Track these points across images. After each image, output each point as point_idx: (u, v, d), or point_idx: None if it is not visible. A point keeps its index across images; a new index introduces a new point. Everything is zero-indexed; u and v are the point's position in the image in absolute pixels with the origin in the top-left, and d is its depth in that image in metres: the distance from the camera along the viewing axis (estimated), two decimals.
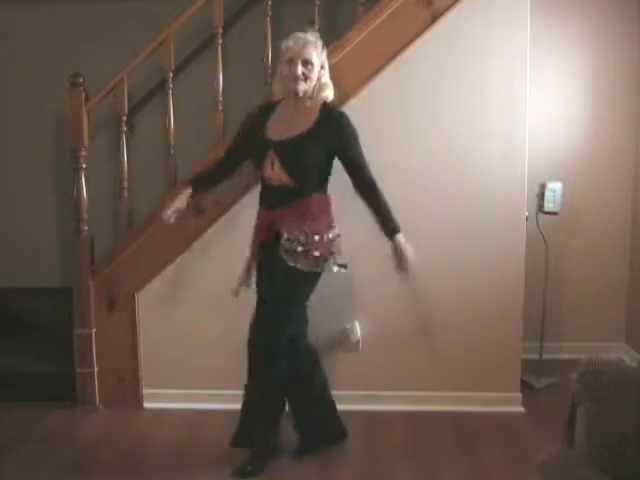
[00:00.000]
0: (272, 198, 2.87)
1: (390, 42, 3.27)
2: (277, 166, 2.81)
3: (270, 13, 3.41)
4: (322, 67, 2.86)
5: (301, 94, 2.82)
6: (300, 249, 2.80)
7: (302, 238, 2.80)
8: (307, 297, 2.94)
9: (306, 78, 2.80)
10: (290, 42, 2.81)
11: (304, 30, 2.88)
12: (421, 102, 3.32)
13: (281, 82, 2.88)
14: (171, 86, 3.46)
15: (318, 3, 3.39)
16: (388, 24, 3.26)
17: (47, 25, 4.02)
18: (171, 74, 3.45)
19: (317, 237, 2.82)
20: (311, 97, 2.86)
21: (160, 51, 3.41)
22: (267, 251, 2.88)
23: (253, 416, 2.99)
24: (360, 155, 2.88)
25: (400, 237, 2.84)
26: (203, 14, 3.42)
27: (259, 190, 2.98)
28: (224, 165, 3.05)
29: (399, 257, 2.84)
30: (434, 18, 3.25)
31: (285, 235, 2.80)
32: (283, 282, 2.84)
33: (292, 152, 2.79)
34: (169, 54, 3.41)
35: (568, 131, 4.01)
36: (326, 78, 2.89)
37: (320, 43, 2.85)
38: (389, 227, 2.86)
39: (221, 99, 3.43)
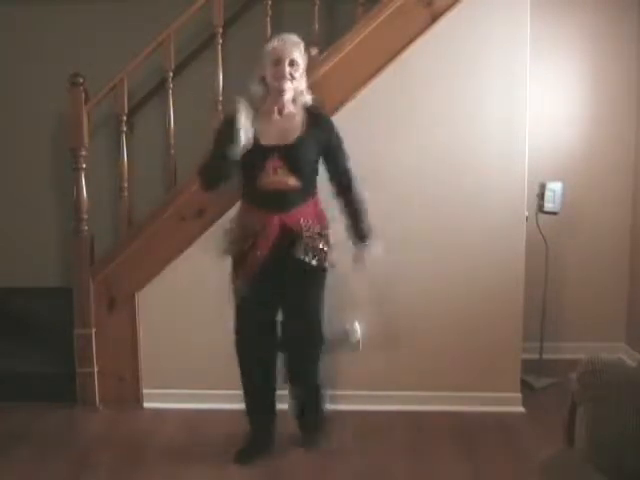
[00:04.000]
0: (274, 202, 2.87)
1: (390, 42, 3.27)
2: (282, 170, 2.82)
3: (270, 13, 3.41)
4: (303, 71, 2.89)
5: (287, 94, 2.85)
6: (321, 247, 2.89)
7: (318, 237, 2.90)
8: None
9: (292, 78, 2.83)
10: (276, 42, 2.84)
11: (288, 33, 2.90)
12: (421, 102, 3.32)
13: (264, 84, 2.89)
14: (171, 86, 3.46)
15: (318, 3, 3.39)
16: (388, 24, 3.26)
17: (47, 25, 4.02)
18: (171, 74, 3.45)
19: (329, 235, 2.94)
20: (294, 101, 2.90)
21: (160, 51, 3.41)
22: (279, 256, 2.88)
23: (309, 410, 3.13)
24: (345, 158, 2.96)
25: (367, 245, 2.96)
26: (203, 14, 3.42)
27: (247, 194, 2.94)
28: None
29: (358, 260, 2.98)
30: (434, 18, 3.25)
31: (305, 234, 2.87)
32: (311, 285, 2.95)
33: (296, 155, 2.83)
34: (169, 54, 3.41)
35: (568, 131, 4.01)
36: (304, 83, 2.91)
37: (302, 45, 2.88)
38: (361, 231, 2.96)
39: (221, 99, 3.43)
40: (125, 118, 3.48)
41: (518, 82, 3.28)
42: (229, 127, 2.76)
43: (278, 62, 2.82)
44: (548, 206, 3.69)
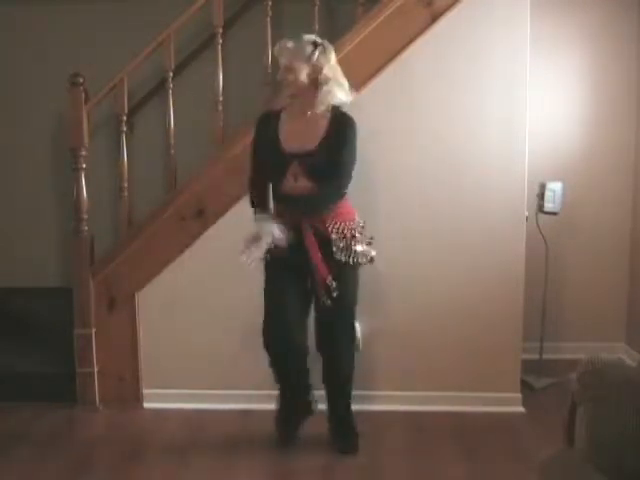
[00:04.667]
0: (300, 207, 2.87)
1: (390, 42, 3.27)
2: (302, 178, 2.84)
3: (270, 13, 3.41)
4: (315, 71, 2.81)
5: (293, 99, 2.87)
6: (352, 245, 2.90)
7: (348, 235, 2.90)
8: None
9: (289, 84, 2.84)
10: (275, 49, 2.88)
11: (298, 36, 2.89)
12: (421, 102, 3.32)
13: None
14: (171, 86, 3.46)
15: (318, 3, 3.39)
16: (388, 24, 3.26)
17: (47, 25, 4.02)
18: (171, 74, 3.45)
19: (355, 232, 2.93)
20: (312, 105, 2.85)
21: (160, 51, 3.41)
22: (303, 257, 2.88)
23: (343, 410, 3.12)
24: (345, 161, 2.87)
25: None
26: (203, 14, 3.42)
27: (276, 200, 2.95)
28: (261, 183, 3.02)
29: None
30: (434, 18, 3.25)
31: (334, 235, 2.88)
32: (346, 283, 2.93)
33: (316, 163, 2.82)
34: (169, 54, 3.41)
35: (568, 131, 4.01)
36: (329, 86, 2.83)
37: (307, 49, 2.81)
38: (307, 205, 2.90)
39: (221, 99, 3.43)
40: (125, 118, 3.48)
41: (518, 82, 3.28)
42: (260, 132, 2.91)
43: (280, 68, 2.86)
44: (548, 206, 3.69)
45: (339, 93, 2.86)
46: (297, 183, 2.85)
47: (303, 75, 2.82)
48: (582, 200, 3.99)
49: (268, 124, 2.92)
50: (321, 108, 2.86)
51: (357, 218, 2.98)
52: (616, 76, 3.97)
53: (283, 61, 2.83)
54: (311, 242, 2.87)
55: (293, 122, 2.90)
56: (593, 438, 1.96)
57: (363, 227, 2.98)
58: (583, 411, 2.01)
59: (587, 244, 4.08)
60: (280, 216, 2.92)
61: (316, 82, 2.82)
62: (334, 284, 2.87)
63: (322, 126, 2.86)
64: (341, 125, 2.87)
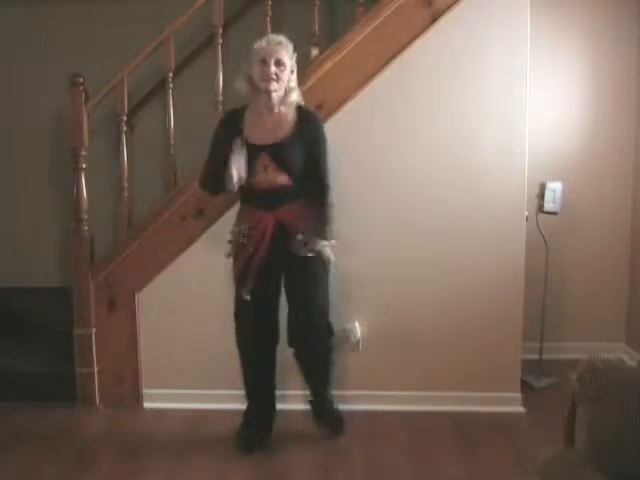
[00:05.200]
0: (267, 201, 2.91)
1: (390, 42, 3.27)
2: (272, 169, 2.87)
3: (270, 13, 3.41)
4: (292, 71, 2.93)
5: (273, 94, 2.88)
6: (318, 242, 2.92)
7: (314, 233, 2.92)
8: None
9: (278, 78, 2.87)
10: (263, 43, 2.89)
11: (276, 33, 2.96)
12: (421, 102, 3.32)
13: (250, 83, 2.93)
14: (171, 86, 3.46)
15: (318, 3, 3.39)
16: (388, 24, 3.26)
17: (47, 25, 4.02)
18: (171, 74, 3.45)
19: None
20: (282, 101, 2.93)
21: (160, 51, 3.41)
22: (277, 254, 2.93)
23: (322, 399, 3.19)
24: (325, 159, 2.97)
25: (324, 244, 2.95)
26: (203, 14, 3.42)
27: (243, 194, 2.98)
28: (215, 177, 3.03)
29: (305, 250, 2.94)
30: (434, 18, 3.25)
31: (300, 231, 2.90)
32: (311, 278, 2.98)
33: (286, 154, 2.88)
34: (169, 54, 3.41)
35: (568, 131, 4.01)
36: (294, 83, 2.95)
37: (291, 47, 2.92)
38: (321, 233, 2.94)
39: (221, 99, 3.43)
40: (125, 118, 3.48)
41: (518, 82, 3.28)
42: (227, 128, 2.88)
43: (264, 62, 2.86)
44: (548, 206, 3.69)
45: (297, 93, 2.97)
46: (267, 174, 2.88)
47: (288, 72, 2.90)
48: (582, 200, 3.99)
49: (234, 120, 2.96)
50: (290, 106, 2.93)
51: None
52: (616, 76, 3.96)
53: (276, 55, 2.85)
54: (268, 230, 2.90)
55: (259, 117, 2.94)
56: (593, 438, 1.96)
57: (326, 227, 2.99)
58: (583, 411, 2.01)
59: (587, 244, 4.08)
60: (248, 212, 2.97)
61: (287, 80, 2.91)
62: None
63: (289, 121, 2.93)
64: (310, 120, 2.95)
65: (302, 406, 3.28)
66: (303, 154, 2.92)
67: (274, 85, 2.87)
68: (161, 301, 3.48)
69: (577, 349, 3.64)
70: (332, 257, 3.00)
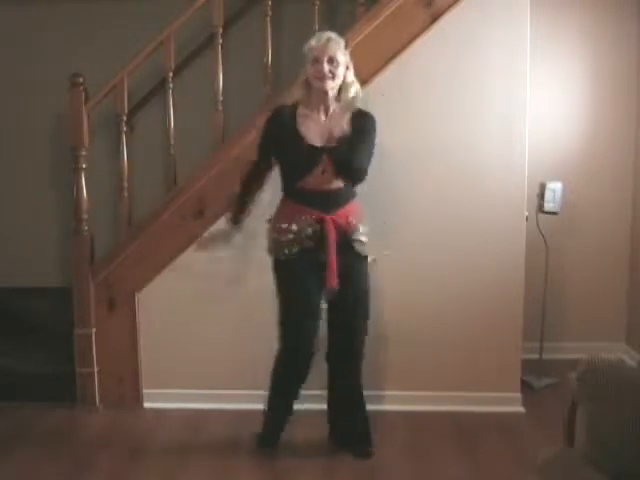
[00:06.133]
0: (323, 202, 2.84)
1: (390, 42, 3.27)
2: (329, 171, 2.81)
3: (270, 13, 3.41)
4: (347, 67, 2.85)
5: (329, 93, 2.82)
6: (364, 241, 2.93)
7: (361, 233, 2.93)
8: None
9: (333, 76, 2.80)
10: (313, 42, 2.82)
11: (324, 29, 2.90)
12: (421, 102, 3.32)
13: (305, 85, 2.86)
14: (171, 86, 3.46)
15: (318, 3, 3.39)
16: (388, 24, 3.26)
17: (47, 25, 4.02)
18: (171, 74, 3.45)
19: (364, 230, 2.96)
20: (337, 98, 2.87)
21: (160, 51, 3.41)
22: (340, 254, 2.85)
23: (357, 413, 3.08)
24: (367, 149, 2.86)
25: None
26: (203, 14, 3.42)
27: (294, 194, 2.88)
28: (256, 179, 3.02)
29: None
30: (434, 18, 3.25)
31: (360, 229, 2.90)
32: (362, 276, 2.97)
33: (344, 156, 2.80)
34: (169, 54, 3.41)
35: (568, 131, 4.01)
36: (351, 77, 2.87)
37: (343, 42, 2.85)
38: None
39: (221, 99, 3.43)
40: (125, 118, 3.48)
41: (518, 82, 3.28)
42: (276, 124, 2.86)
43: (317, 61, 2.78)
44: (548, 206, 3.69)
45: (355, 88, 2.88)
46: (324, 177, 2.82)
47: (343, 68, 2.83)
48: (582, 200, 3.99)
49: (285, 119, 2.86)
50: (346, 103, 2.87)
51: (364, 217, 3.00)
52: (616, 76, 3.97)
53: (328, 53, 2.78)
54: (331, 233, 2.83)
55: (314, 117, 2.87)
56: (593, 438, 1.96)
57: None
58: (583, 411, 2.01)
59: (587, 244, 4.08)
60: (301, 211, 2.86)
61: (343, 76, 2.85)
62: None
63: (345, 121, 2.86)
64: (364, 120, 2.88)
65: (302, 406, 3.27)
66: None
67: (329, 83, 2.79)
68: (161, 301, 3.48)
69: (577, 349, 3.64)
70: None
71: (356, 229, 2.90)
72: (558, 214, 3.73)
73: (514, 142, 3.31)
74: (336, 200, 2.86)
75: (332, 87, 2.82)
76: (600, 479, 1.88)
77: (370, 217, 3.03)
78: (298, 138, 2.81)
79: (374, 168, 3.21)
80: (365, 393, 3.36)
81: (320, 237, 2.83)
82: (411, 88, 3.32)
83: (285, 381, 3.03)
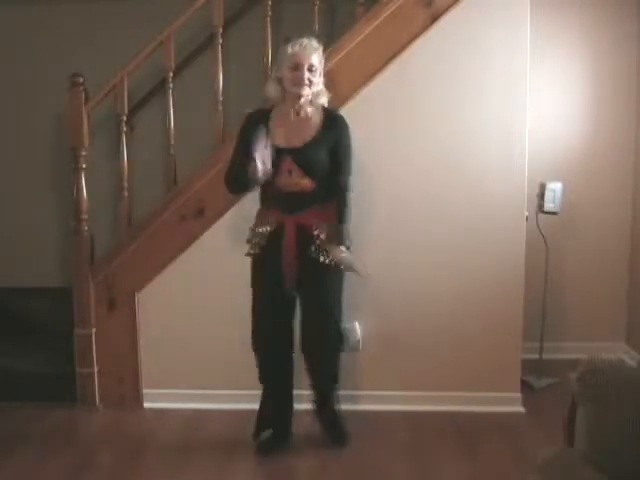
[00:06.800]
0: (290, 204, 2.90)
1: (390, 43, 3.27)
2: (296, 173, 2.86)
3: (270, 13, 3.41)
4: (320, 74, 2.92)
5: (303, 99, 2.89)
6: (336, 247, 2.92)
7: (330, 236, 2.93)
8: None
9: (311, 83, 2.87)
10: (296, 47, 2.85)
11: (307, 36, 2.92)
12: (421, 103, 3.32)
13: (280, 85, 2.92)
14: (171, 86, 3.46)
15: (318, 3, 3.39)
16: (388, 25, 3.26)
17: (47, 25, 4.02)
18: (171, 74, 3.45)
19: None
20: (310, 103, 2.93)
21: (160, 51, 3.41)
22: (299, 255, 2.91)
23: (327, 402, 3.15)
24: (347, 161, 2.97)
25: (343, 248, 2.95)
26: (203, 14, 3.42)
27: (265, 196, 2.97)
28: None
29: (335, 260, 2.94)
30: (434, 18, 3.25)
31: (321, 236, 2.91)
32: (327, 284, 2.98)
33: (310, 158, 2.87)
34: (169, 54, 3.41)
35: (568, 131, 4.01)
36: (322, 85, 2.95)
37: (321, 50, 2.91)
38: (339, 235, 2.94)
39: (221, 99, 3.43)
40: (125, 118, 3.47)
41: (518, 82, 3.28)
42: (253, 124, 2.87)
43: (297, 67, 2.84)
44: (548, 206, 3.69)
45: (325, 95, 2.97)
46: (290, 178, 2.87)
47: (319, 73, 2.90)
48: (582, 200, 3.99)
49: (261, 118, 2.93)
50: (317, 107, 2.94)
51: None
52: (616, 76, 3.96)
53: (309, 61, 2.84)
54: (290, 233, 2.89)
55: (285, 119, 2.93)
56: (593, 438, 1.96)
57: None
58: (583, 411, 2.01)
59: (587, 244, 4.08)
60: (269, 214, 2.95)
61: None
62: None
63: (315, 123, 2.92)
64: (335, 123, 2.95)
65: (300, 406, 3.27)
66: (328, 157, 2.91)
67: (306, 90, 2.87)
68: (161, 301, 3.48)
69: (577, 349, 3.65)
70: (358, 266, 2.97)
71: (320, 231, 2.91)
72: (558, 214, 3.73)
73: (514, 142, 3.31)
74: (302, 202, 2.89)
75: (307, 93, 2.89)
76: (600, 479, 1.88)
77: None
78: (264, 126, 2.86)
79: (373, 168, 3.23)
80: (365, 393, 3.38)
81: (282, 238, 2.90)
82: (411, 88, 3.31)
83: (263, 377, 3.10)
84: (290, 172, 2.86)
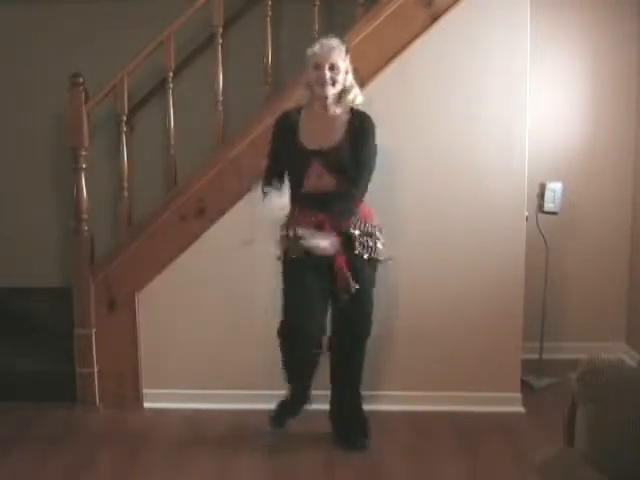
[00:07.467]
0: (322, 205, 2.89)
1: (390, 42, 3.27)
2: (325, 175, 2.88)
3: (270, 13, 3.41)
4: (347, 72, 2.93)
5: (330, 98, 2.91)
6: (371, 244, 2.96)
7: (370, 232, 2.97)
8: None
9: (334, 82, 2.89)
10: (316, 48, 2.90)
11: (328, 36, 2.95)
12: (420, 102, 3.32)
13: (307, 88, 2.96)
14: (171, 86, 3.46)
15: (318, 3, 3.39)
16: (388, 24, 3.26)
17: (47, 25, 4.02)
18: (171, 74, 3.45)
19: (376, 230, 3.01)
20: (338, 102, 2.95)
21: (160, 51, 3.41)
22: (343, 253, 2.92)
23: (352, 404, 3.16)
24: (368, 158, 2.95)
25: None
26: (203, 14, 3.42)
27: (295, 197, 2.93)
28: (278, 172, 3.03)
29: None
30: (434, 18, 3.25)
31: (357, 232, 2.93)
32: (365, 280, 2.97)
33: (337, 159, 2.88)
34: (169, 54, 3.41)
35: (568, 131, 4.01)
36: (351, 82, 2.96)
37: (344, 48, 2.93)
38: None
39: (221, 99, 3.43)
40: (125, 118, 3.48)
41: (518, 82, 3.28)
42: (280, 128, 2.95)
43: (318, 67, 2.88)
44: (548, 206, 3.69)
45: (355, 92, 2.97)
46: (321, 180, 2.89)
47: (343, 74, 2.91)
48: (582, 200, 3.99)
49: (288, 123, 2.96)
50: (345, 107, 2.95)
51: (375, 219, 3.03)
52: (616, 76, 3.96)
53: (330, 60, 2.86)
54: (327, 227, 2.90)
55: (313, 121, 2.96)
56: (593, 438, 1.96)
57: (381, 228, 3.04)
58: (583, 411, 2.01)
59: (587, 244, 4.08)
60: (302, 216, 2.92)
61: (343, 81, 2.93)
62: (356, 286, 2.91)
63: (342, 124, 2.94)
64: (363, 123, 2.95)
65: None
66: (354, 156, 2.91)
67: (330, 89, 2.89)
68: (161, 301, 3.48)
69: (577, 349, 3.65)
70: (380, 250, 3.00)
71: (357, 230, 2.93)
72: (558, 214, 3.73)
73: (514, 142, 3.31)
74: (333, 201, 2.90)
75: (332, 93, 2.90)
76: (600, 479, 1.88)
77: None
78: (294, 141, 2.91)
79: (374, 168, 3.21)
80: (365, 393, 3.37)
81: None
82: (411, 88, 3.32)
83: (290, 367, 3.08)
84: (320, 175, 2.88)
